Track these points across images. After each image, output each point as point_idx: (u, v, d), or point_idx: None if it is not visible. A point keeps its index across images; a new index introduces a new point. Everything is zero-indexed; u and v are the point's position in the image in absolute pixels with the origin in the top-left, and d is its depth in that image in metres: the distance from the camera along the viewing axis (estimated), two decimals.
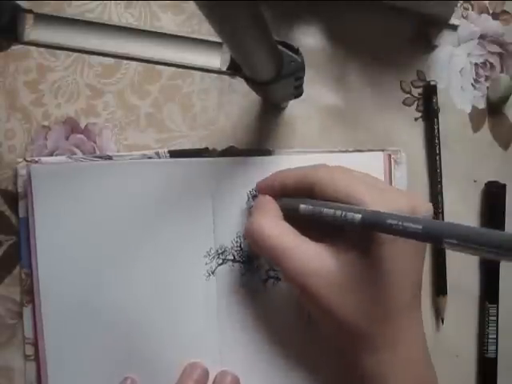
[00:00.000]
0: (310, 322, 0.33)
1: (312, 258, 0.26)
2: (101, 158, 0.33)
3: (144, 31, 0.26)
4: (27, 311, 0.33)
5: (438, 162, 0.35)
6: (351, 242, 0.26)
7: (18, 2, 0.25)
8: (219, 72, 0.27)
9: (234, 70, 0.26)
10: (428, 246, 0.32)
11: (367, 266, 0.26)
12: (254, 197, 0.33)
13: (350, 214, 0.25)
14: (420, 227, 0.21)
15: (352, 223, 0.25)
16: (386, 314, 0.26)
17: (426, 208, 0.27)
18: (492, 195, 0.35)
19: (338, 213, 0.25)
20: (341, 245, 0.26)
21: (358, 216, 0.24)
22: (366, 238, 0.26)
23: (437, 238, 0.21)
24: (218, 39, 0.26)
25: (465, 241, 0.20)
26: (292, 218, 0.29)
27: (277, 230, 0.28)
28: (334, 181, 0.27)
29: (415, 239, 0.22)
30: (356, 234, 0.26)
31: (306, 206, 0.28)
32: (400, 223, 0.22)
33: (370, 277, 0.26)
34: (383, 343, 0.26)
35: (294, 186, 0.29)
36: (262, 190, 0.31)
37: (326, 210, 0.26)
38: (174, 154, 0.33)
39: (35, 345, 0.32)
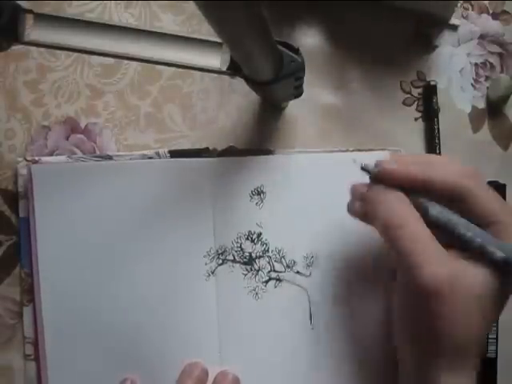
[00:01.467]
0: (311, 322, 0.33)
1: (451, 265, 0.24)
2: (101, 157, 0.33)
3: (144, 31, 0.26)
4: (27, 311, 0.33)
5: None
6: (485, 259, 0.24)
7: (18, 1, 0.25)
8: (219, 72, 0.27)
9: (234, 70, 0.26)
10: None
11: (500, 288, 0.25)
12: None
13: (491, 247, 0.24)
14: None
15: (488, 256, 0.24)
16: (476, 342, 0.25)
17: None
18: None
19: (478, 241, 0.24)
20: (478, 259, 0.25)
21: (501, 255, 0.24)
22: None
23: None
24: (217, 39, 0.26)
25: None
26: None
27: (416, 225, 0.25)
28: (487, 193, 0.26)
29: None
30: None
31: (441, 214, 0.25)
32: None
33: (499, 300, 0.25)
34: (464, 361, 0.25)
35: (439, 183, 0.26)
36: (390, 174, 0.26)
37: (462, 230, 0.25)
38: (174, 153, 0.33)
39: (35, 344, 0.32)
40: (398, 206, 0.25)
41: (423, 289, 0.24)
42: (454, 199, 0.25)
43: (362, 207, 0.28)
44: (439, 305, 0.24)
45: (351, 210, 0.29)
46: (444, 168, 0.26)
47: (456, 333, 0.24)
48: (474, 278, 0.24)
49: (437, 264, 0.24)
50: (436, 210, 0.25)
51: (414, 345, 0.27)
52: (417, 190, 0.26)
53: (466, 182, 0.25)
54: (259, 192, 0.33)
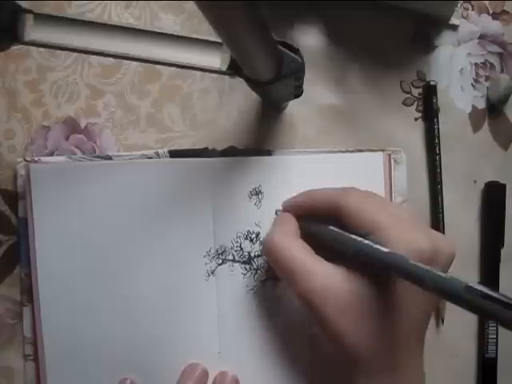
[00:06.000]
0: (310, 322, 0.33)
1: (324, 277, 0.26)
2: (101, 158, 0.33)
3: (144, 31, 0.26)
4: (27, 311, 0.33)
5: (437, 162, 0.35)
6: (366, 268, 0.26)
7: (18, 1, 0.25)
8: (219, 72, 0.27)
9: (234, 70, 0.26)
10: None
11: (380, 295, 0.25)
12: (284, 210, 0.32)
13: (368, 246, 0.25)
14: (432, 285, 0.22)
15: (369, 257, 0.25)
16: (388, 346, 0.26)
17: (448, 250, 0.26)
18: (492, 195, 0.35)
19: (362, 242, 0.25)
20: (355, 269, 0.26)
21: (383, 250, 0.24)
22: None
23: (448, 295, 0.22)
24: (218, 39, 0.26)
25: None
26: (310, 237, 0.29)
27: (291, 247, 0.28)
28: (361, 206, 0.27)
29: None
30: None
31: (324, 229, 0.28)
32: (417, 276, 0.22)
33: (381, 306, 0.25)
34: (382, 368, 0.26)
35: (321, 206, 0.29)
36: (286, 207, 0.31)
37: (347, 236, 0.26)
38: (174, 153, 0.33)
39: (34, 345, 0.32)
40: (275, 237, 0.29)
41: (303, 301, 0.26)
42: (335, 214, 0.28)
43: None
44: (316, 315, 0.26)
45: None
46: (323, 191, 0.30)
47: (339, 338, 0.26)
48: (349, 283, 0.25)
49: (312, 280, 0.26)
50: (314, 226, 0.29)
51: (328, 346, 0.28)
52: (307, 214, 0.30)
53: (340, 198, 0.28)
54: (257, 192, 0.33)
